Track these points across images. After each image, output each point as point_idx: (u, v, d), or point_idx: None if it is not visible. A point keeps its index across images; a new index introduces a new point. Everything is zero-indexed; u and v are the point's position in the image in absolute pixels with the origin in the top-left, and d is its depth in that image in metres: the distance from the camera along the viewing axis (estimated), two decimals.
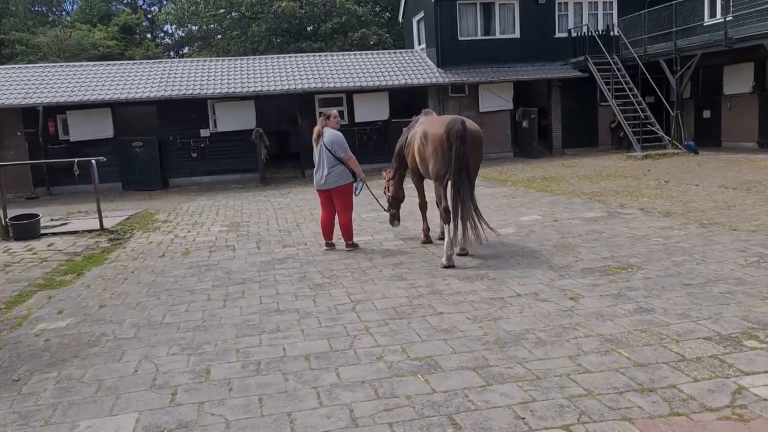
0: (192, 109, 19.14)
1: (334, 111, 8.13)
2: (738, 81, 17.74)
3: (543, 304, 5.28)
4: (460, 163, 6.63)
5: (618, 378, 3.74)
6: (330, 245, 8.24)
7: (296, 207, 12.95)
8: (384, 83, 19.34)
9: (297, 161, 21.24)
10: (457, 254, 7.14)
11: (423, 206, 8.25)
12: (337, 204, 7.97)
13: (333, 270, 7.06)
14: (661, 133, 17.72)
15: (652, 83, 18.20)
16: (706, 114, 19.15)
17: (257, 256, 8.19)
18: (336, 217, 8.14)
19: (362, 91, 19.42)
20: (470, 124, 6.88)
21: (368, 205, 11.67)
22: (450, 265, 6.74)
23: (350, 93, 19.58)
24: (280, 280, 6.73)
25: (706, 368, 3.79)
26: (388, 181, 8.67)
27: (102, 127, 18.71)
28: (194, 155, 19.33)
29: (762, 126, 17.20)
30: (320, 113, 8.06)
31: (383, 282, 6.38)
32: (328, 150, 7.76)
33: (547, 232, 8.36)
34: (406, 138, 8.06)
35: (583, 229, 8.40)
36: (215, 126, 19.37)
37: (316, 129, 7.99)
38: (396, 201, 8.68)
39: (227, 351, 4.66)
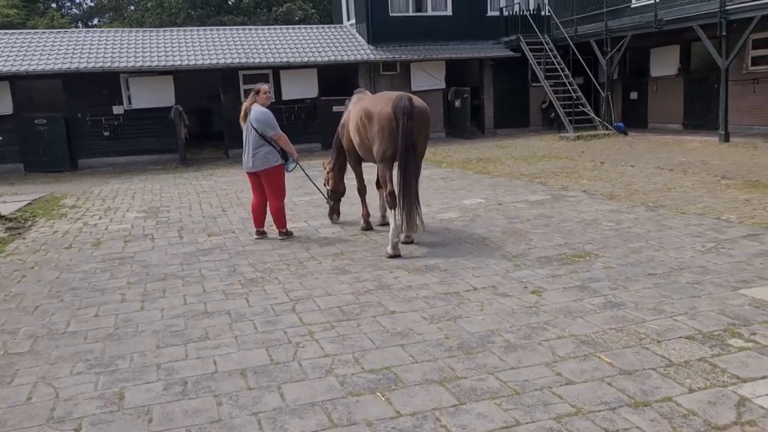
0: (103, 84, 17.60)
1: (264, 86, 7.38)
2: (664, 64, 18.02)
3: (504, 300, 4.80)
4: (407, 142, 6.13)
5: (606, 390, 3.29)
6: (261, 233, 7.54)
7: (221, 190, 12.03)
8: (313, 59, 18.46)
9: (220, 141, 20.06)
10: (402, 242, 6.60)
11: (362, 190, 7.76)
12: (266, 188, 7.29)
13: (266, 262, 6.35)
14: (592, 114, 17.80)
15: (583, 64, 18.23)
16: (633, 96, 19.43)
17: (179, 246, 7.34)
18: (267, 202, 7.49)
19: (290, 67, 18.47)
20: (417, 101, 6.41)
21: (300, 188, 10.98)
22: (396, 255, 6.24)
23: (277, 69, 18.58)
24: (207, 275, 5.96)
25: (699, 375, 3.40)
26: (328, 173, 8.14)
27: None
28: (106, 134, 17.82)
29: (687, 108, 17.57)
30: (249, 90, 7.40)
31: (324, 276, 5.74)
32: (255, 129, 7.09)
33: (493, 217, 7.94)
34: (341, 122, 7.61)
35: (530, 213, 8.03)
36: (130, 103, 17.92)
37: (243, 106, 7.29)
38: (336, 194, 8.18)
39: (146, 367, 3.91)
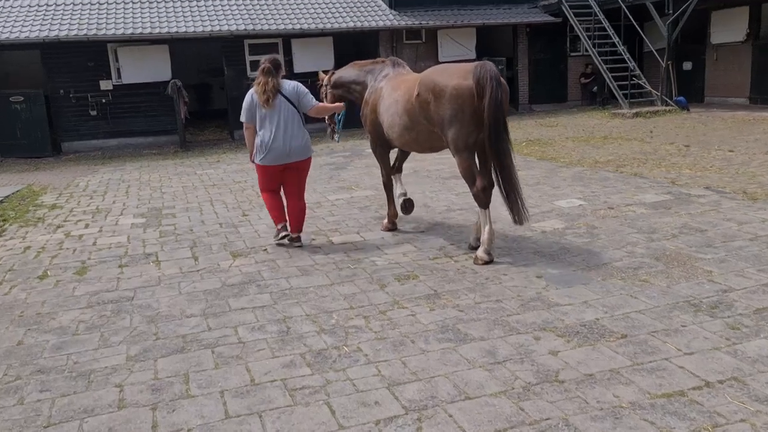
0: (88, 55, 15.32)
1: (277, 56, 5.95)
2: (728, 29, 15.85)
3: None
4: (498, 115, 4.79)
5: None
6: (285, 230, 5.96)
7: (233, 183, 9.90)
8: (329, 26, 16.16)
9: (222, 120, 17.90)
10: (483, 260, 5.11)
11: (390, 185, 6.36)
12: (296, 183, 5.92)
13: (330, 312, 4.30)
14: (649, 88, 15.66)
15: (639, 30, 16.04)
16: (687, 66, 17.27)
17: (196, 277, 5.26)
18: (284, 198, 6.02)
19: (303, 35, 16.19)
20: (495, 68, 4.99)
21: (330, 179, 8.92)
22: (491, 260, 5.08)
23: (288, 38, 16.32)
24: (249, 342, 3.90)
25: None
26: (324, 86, 6.60)
27: None
28: (94, 113, 15.59)
29: (755, 80, 15.46)
30: (262, 63, 5.74)
31: (434, 346, 3.69)
32: (294, 106, 5.69)
33: (616, 229, 5.89)
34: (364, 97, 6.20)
35: (666, 223, 5.98)
36: (119, 77, 15.66)
37: (266, 85, 5.59)
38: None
39: None
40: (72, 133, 15.50)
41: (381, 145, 6.13)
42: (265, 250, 6.01)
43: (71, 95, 15.38)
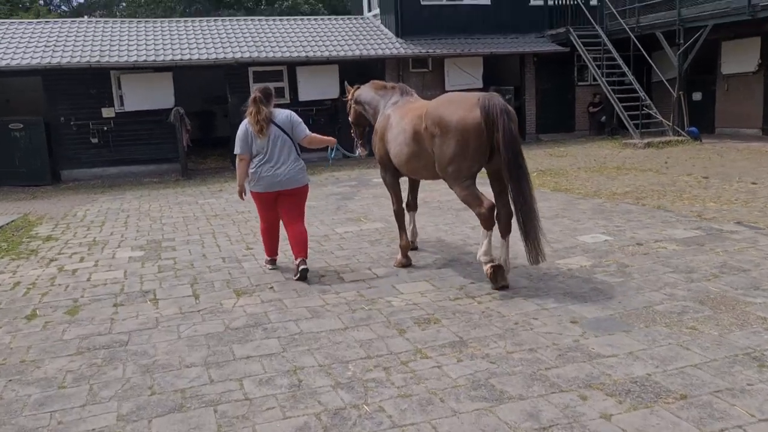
0: (91, 83, 15.07)
1: (269, 86, 5.98)
2: (739, 59, 15.64)
3: None
4: (515, 148, 4.78)
5: None
6: (274, 262, 6.21)
7: (237, 214, 9.51)
8: (335, 54, 15.95)
9: (224, 148, 17.56)
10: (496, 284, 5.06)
11: (401, 214, 6.16)
12: (293, 210, 5.87)
13: (347, 362, 3.87)
14: (661, 118, 15.37)
15: (649, 60, 15.82)
16: (697, 96, 17.02)
17: (197, 318, 4.83)
18: (284, 227, 5.96)
19: (308, 63, 15.98)
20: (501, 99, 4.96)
21: (338, 210, 8.53)
22: (505, 285, 5.04)
23: (293, 65, 16.10)
24: (256, 400, 3.46)
25: None
26: (349, 100, 6.76)
27: None
28: (95, 141, 15.28)
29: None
30: (253, 93, 5.80)
31: (466, 408, 3.25)
32: (288, 135, 5.72)
33: (650, 267, 5.48)
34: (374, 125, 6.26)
35: (701, 260, 5.57)
36: (122, 104, 15.40)
37: (258, 115, 5.63)
38: (358, 129, 6.83)
39: None
40: (72, 161, 15.17)
41: (391, 174, 6.03)
42: (272, 288, 5.59)
43: (72, 123, 15.09)
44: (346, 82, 7.11)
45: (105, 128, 15.29)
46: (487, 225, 4.95)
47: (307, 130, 5.83)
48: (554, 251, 6.23)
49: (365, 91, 6.45)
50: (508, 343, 4.03)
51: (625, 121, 15.41)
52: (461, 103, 4.96)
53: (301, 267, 5.65)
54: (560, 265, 5.78)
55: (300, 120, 5.81)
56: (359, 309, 4.87)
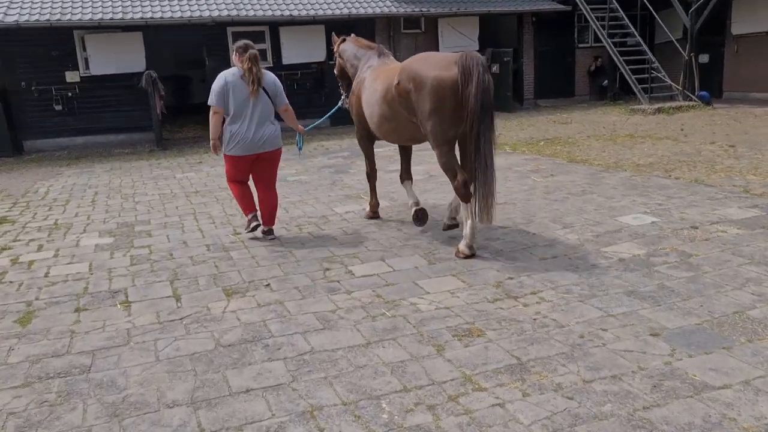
0: (52, 44, 13.70)
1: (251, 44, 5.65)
2: (751, 18, 14.75)
3: None
4: (484, 101, 4.59)
5: None
6: (257, 220, 5.82)
7: (220, 190, 8.49)
8: (321, 14, 14.72)
9: (202, 116, 16.33)
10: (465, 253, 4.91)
11: (373, 175, 6.38)
12: (266, 175, 5.78)
13: (375, 389, 2.96)
14: (670, 82, 14.48)
15: (658, 18, 14.84)
16: (704, 59, 16.11)
17: (178, 330, 3.89)
18: (256, 191, 5.88)
19: (293, 23, 14.75)
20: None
21: (333, 185, 7.59)
22: (473, 254, 4.91)
23: (276, 25, 14.86)
24: None
25: None
26: (335, 51, 6.59)
27: None
28: (59, 108, 13.99)
29: None
30: (239, 48, 5.57)
31: None
32: (269, 97, 5.59)
33: (723, 259, 4.63)
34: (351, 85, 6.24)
35: None
36: (87, 67, 14.09)
37: (255, 74, 5.42)
38: (343, 81, 6.61)
39: None
40: (35, 131, 13.88)
41: (366, 137, 6.10)
42: (268, 285, 4.65)
43: (33, 88, 13.77)
44: (333, 33, 6.96)
45: (69, 94, 13.99)
46: (464, 198, 4.87)
47: (286, 99, 5.76)
48: (596, 236, 5.36)
49: (348, 47, 6.35)
50: (581, 367, 3.15)
51: (632, 85, 14.53)
52: (440, 60, 4.82)
53: (270, 237, 5.76)
54: (608, 253, 4.91)
55: (282, 87, 5.74)
56: (380, 316, 3.96)
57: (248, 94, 5.39)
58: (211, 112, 5.50)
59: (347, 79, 6.45)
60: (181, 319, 4.09)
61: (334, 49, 6.62)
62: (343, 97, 6.68)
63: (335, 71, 6.67)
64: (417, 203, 5.95)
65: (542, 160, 9.37)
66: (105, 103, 14.16)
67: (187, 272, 5.06)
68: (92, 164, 11.87)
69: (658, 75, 14.58)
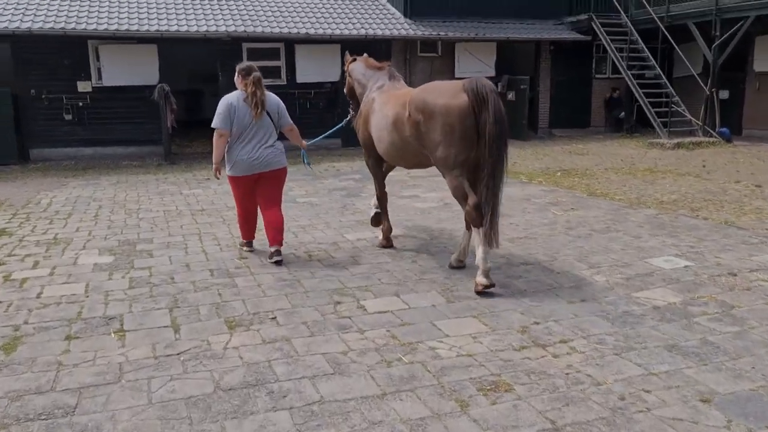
0: (65, 53, 13.56)
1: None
2: None
3: None
4: (502, 132, 4.59)
5: None
6: (251, 245, 6.06)
7: (227, 210, 8.18)
8: (337, 33, 14.55)
9: (212, 131, 16.13)
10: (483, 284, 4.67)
11: (383, 199, 6.27)
12: (271, 194, 5.74)
13: None
14: (690, 116, 14.19)
15: (680, 53, 14.60)
16: (723, 94, 15.82)
17: (175, 367, 3.55)
18: (261, 212, 5.86)
19: (308, 41, 14.58)
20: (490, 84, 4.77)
21: (344, 210, 7.27)
22: (492, 284, 4.68)
23: (291, 43, 14.69)
24: None
25: None
26: (346, 69, 6.55)
27: None
28: (69, 117, 13.79)
29: None
30: (242, 70, 5.60)
31: None
32: (272, 120, 5.63)
33: (762, 309, 4.27)
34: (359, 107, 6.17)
35: None
36: (100, 78, 13.92)
37: (259, 96, 5.46)
38: (353, 100, 6.49)
39: None
40: (43, 139, 13.67)
41: (374, 159, 6.00)
42: (274, 318, 4.33)
43: (44, 96, 13.59)
44: (347, 52, 6.83)
45: (80, 104, 13.80)
46: (475, 223, 4.75)
47: (290, 120, 5.78)
48: (626, 279, 5.02)
49: (357, 66, 6.30)
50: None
51: (651, 119, 14.24)
52: (446, 89, 4.83)
53: (275, 258, 5.56)
54: (641, 299, 4.56)
55: (285, 108, 5.76)
56: (396, 361, 3.61)
57: (252, 117, 5.41)
58: (216, 135, 5.50)
59: (356, 99, 6.39)
60: (178, 354, 3.75)
61: (346, 68, 6.59)
62: (350, 115, 6.60)
63: (345, 90, 6.63)
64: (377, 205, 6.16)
65: (561, 192, 9.05)
66: (115, 115, 13.96)
67: (188, 299, 4.73)
68: (98, 176, 11.62)
69: (678, 109, 14.29)
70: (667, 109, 14.27)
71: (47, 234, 6.98)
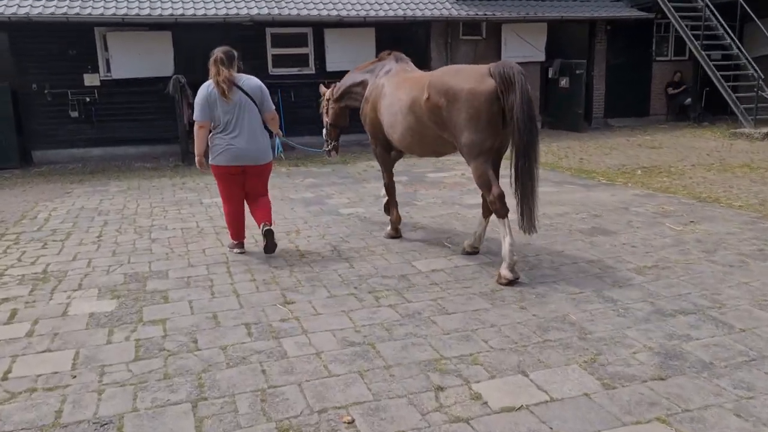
0: (70, 42, 12.14)
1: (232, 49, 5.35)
2: None
3: None
4: (531, 115, 4.38)
5: None
6: (241, 248, 5.60)
7: (256, 226, 6.65)
8: (372, 15, 12.96)
9: None
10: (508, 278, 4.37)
11: (392, 188, 6.02)
12: (259, 185, 5.49)
13: None
14: None
15: (763, 28, 12.78)
16: None
17: None
18: (247, 203, 5.56)
19: (340, 24, 13.02)
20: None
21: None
22: (516, 278, 4.50)
23: (320, 26, 13.15)
24: None
25: None
26: (327, 100, 6.34)
27: None
28: (74, 114, 12.37)
29: None
30: (216, 56, 5.19)
31: None
32: (256, 105, 5.26)
33: None
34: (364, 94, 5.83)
35: None
36: (108, 70, 12.48)
37: (217, 76, 5.10)
38: (335, 130, 6.43)
39: None
40: (46, 140, 12.28)
41: (381, 146, 5.80)
42: (352, 422, 2.82)
43: (46, 91, 12.17)
44: (321, 86, 6.63)
45: (87, 99, 12.37)
46: (499, 213, 4.63)
47: (273, 106, 5.51)
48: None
49: (347, 78, 6.13)
50: None
51: (732, 106, 12.50)
52: (472, 73, 4.64)
53: (266, 228, 5.28)
54: None
55: (268, 93, 5.45)
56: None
57: (225, 102, 5.12)
58: (196, 127, 5.29)
59: (341, 125, 6.34)
60: None
61: (325, 99, 6.34)
62: (330, 146, 6.45)
63: (329, 119, 6.33)
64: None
65: (661, 198, 7.43)
66: (127, 111, 12.54)
67: (218, 383, 3.24)
68: (107, 181, 10.19)
69: (762, 94, 12.53)
70: (754, 93, 12.50)
71: (36, 265, 5.53)
